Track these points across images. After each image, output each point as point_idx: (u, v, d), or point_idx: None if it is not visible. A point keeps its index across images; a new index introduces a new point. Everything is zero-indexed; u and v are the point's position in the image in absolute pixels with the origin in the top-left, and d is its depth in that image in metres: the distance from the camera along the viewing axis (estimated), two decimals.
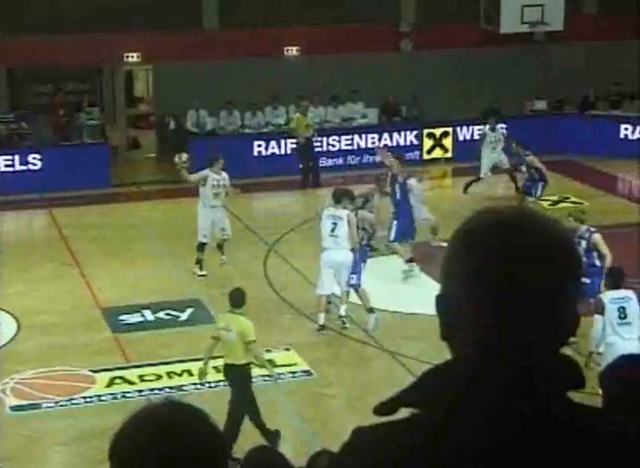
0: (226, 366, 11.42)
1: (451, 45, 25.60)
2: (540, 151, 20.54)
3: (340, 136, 24.27)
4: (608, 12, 26.60)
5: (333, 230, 14.48)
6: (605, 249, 13.80)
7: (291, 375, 13.36)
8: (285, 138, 24.03)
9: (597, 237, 13.94)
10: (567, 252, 1.72)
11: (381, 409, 1.76)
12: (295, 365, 13.63)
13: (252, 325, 11.25)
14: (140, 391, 12.96)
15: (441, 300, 1.75)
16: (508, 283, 1.66)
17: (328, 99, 25.36)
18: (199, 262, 17.01)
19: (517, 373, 1.68)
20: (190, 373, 13.27)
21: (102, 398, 12.81)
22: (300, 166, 22.59)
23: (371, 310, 14.58)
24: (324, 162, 23.75)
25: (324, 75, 24.68)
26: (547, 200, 20.95)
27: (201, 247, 17.02)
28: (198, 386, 12.83)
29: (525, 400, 1.67)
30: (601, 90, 26.72)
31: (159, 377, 13.32)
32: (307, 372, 13.46)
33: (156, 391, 12.87)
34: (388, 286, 16.13)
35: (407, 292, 15.71)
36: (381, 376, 13.12)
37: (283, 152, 23.90)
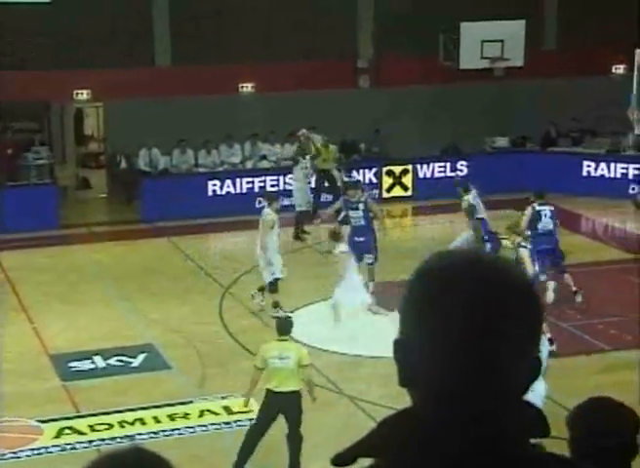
0: (279, 394, 11.24)
1: (409, 81, 25.41)
2: (501, 189, 20.25)
3: None
4: (568, 47, 26.56)
5: None
6: (529, 266, 14.42)
7: (248, 423, 12.84)
8: (240, 177, 23.56)
9: (524, 252, 14.56)
10: (526, 296, 1.70)
11: (339, 460, 1.74)
12: (252, 412, 13.10)
13: (305, 349, 11.70)
14: (91, 441, 12.51)
15: (399, 346, 1.74)
16: (468, 329, 1.65)
17: (284, 137, 25.02)
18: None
19: (479, 422, 1.66)
20: (143, 422, 12.87)
21: (50, 450, 12.34)
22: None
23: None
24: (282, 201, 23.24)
25: (280, 112, 24.32)
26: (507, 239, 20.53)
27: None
28: (152, 435, 12.57)
29: (487, 449, 1.66)
30: (562, 126, 26.61)
31: (110, 427, 12.87)
32: None
33: (107, 441, 12.45)
34: (348, 328, 15.77)
35: (367, 334, 15.35)
36: (342, 422, 12.77)
37: (238, 191, 23.43)
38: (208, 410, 13.17)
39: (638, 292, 17.76)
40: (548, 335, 14.58)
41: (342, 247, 15.92)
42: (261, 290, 16.88)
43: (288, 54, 24.72)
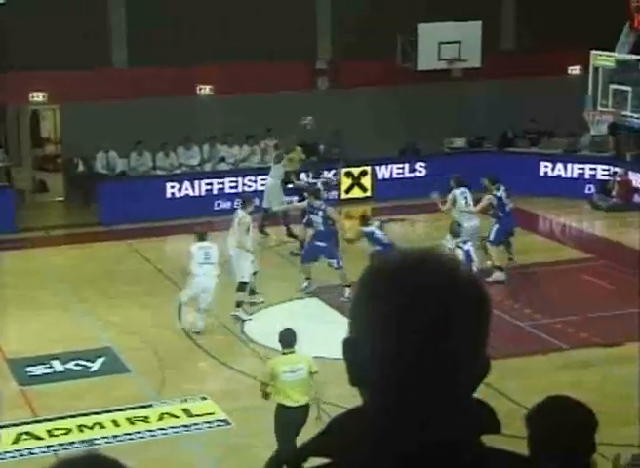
0: (298, 408, 10.95)
1: (368, 82, 25.44)
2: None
3: (255, 176, 23.74)
4: (525, 49, 26.73)
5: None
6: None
7: (207, 426, 12.88)
8: (198, 180, 23.48)
9: (458, 252, 15.36)
10: (474, 296, 1.71)
11: (291, 460, 1.76)
12: (212, 414, 13.13)
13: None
14: (49, 446, 12.42)
15: (348, 345, 1.74)
16: (415, 329, 1.66)
17: (243, 139, 24.96)
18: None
19: (429, 421, 1.67)
20: (102, 426, 12.77)
21: (8, 455, 12.20)
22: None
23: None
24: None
25: (238, 114, 24.25)
26: None
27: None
28: (110, 439, 12.50)
29: (438, 448, 1.67)
30: (519, 127, 26.76)
31: (69, 431, 12.78)
32: (225, 422, 13.06)
33: (66, 446, 12.37)
34: (305, 329, 15.73)
35: (324, 335, 15.34)
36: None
37: (197, 194, 23.33)
38: (167, 414, 13.11)
39: (595, 290, 17.92)
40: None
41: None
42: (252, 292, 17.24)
43: (246, 55, 24.64)
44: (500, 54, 26.82)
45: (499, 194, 18.88)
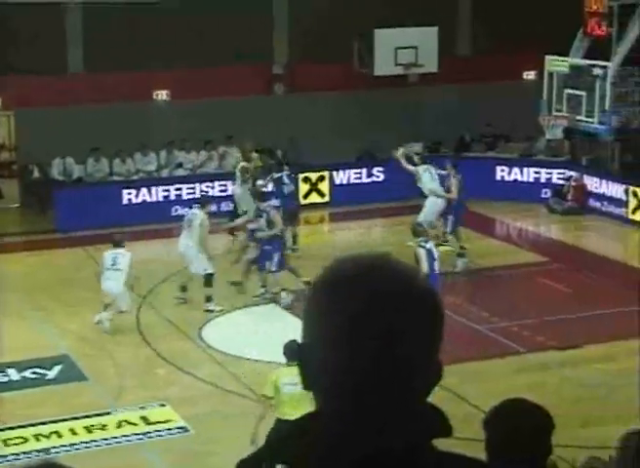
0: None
1: (325, 87, 25.46)
2: (416, 194, 20.35)
3: (213, 181, 23.68)
4: (480, 53, 26.89)
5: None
6: (424, 265, 15.05)
7: (166, 433, 12.80)
8: (156, 186, 23.37)
9: (420, 251, 15.32)
10: (425, 301, 1.73)
11: (244, 466, 1.77)
12: (171, 421, 13.06)
13: None
14: (4, 456, 12.26)
15: (302, 349, 1.75)
16: (366, 333, 1.66)
17: (201, 145, 24.88)
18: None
19: (383, 426, 1.68)
20: (59, 435, 12.64)
21: None
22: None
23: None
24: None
25: (195, 120, 24.18)
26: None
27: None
28: (68, 448, 12.38)
29: (392, 452, 1.68)
30: (476, 131, 26.90)
31: (25, 441, 12.64)
32: (184, 429, 12.97)
33: (22, 456, 12.20)
34: (264, 335, 15.76)
35: (283, 341, 15.31)
36: (262, 429, 12.55)
37: (154, 200, 23.21)
38: (125, 421, 13.02)
39: (551, 293, 18.05)
40: None
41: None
42: (183, 289, 17.37)
43: (202, 60, 24.59)
44: (456, 59, 26.96)
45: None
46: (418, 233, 15.82)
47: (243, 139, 23.63)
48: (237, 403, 13.75)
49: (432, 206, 19.53)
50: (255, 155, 22.63)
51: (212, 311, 16.96)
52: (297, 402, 10.54)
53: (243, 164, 21.78)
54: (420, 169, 19.78)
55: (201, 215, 17.27)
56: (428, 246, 15.54)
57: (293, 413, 10.61)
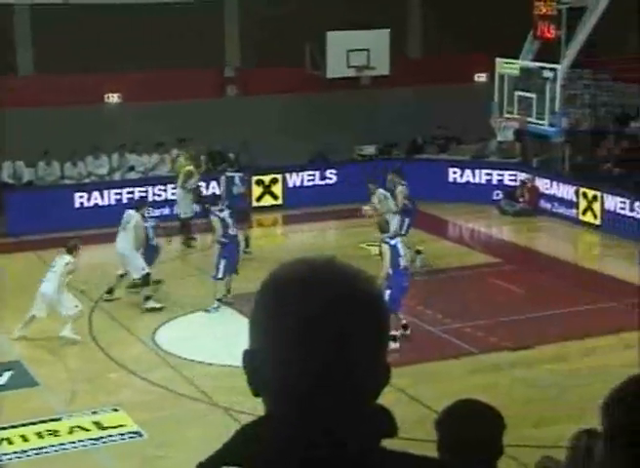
0: None
1: (277, 90, 25.45)
2: (368, 197, 20.35)
3: (165, 184, 23.56)
4: (432, 56, 27.02)
5: None
6: (387, 262, 15.13)
7: (119, 437, 12.66)
8: (108, 189, 23.21)
9: (385, 247, 15.32)
10: (372, 303, 1.73)
11: None
12: (124, 426, 12.95)
13: None
14: None
15: (247, 356, 1.75)
16: (312, 337, 1.67)
17: (154, 148, 24.79)
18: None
19: (332, 428, 1.69)
20: (10, 442, 12.50)
21: None
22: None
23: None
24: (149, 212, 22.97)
25: (147, 122, 24.06)
26: (378, 245, 20.76)
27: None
28: (19, 454, 12.23)
29: (340, 453, 1.69)
30: (428, 133, 27.03)
31: None
32: (138, 433, 12.86)
33: None
34: (218, 338, 15.72)
35: (237, 344, 15.28)
36: (216, 433, 12.54)
37: (106, 203, 23.04)
38: (78, 426, 12.90)
39: (504, 294, 18.17)
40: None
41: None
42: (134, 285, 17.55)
43: (154, 63, 24.46)
44: (408, 61, 27.07)
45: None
46: (383, 229, 15.89)
47: (191, 143, 23.50)
48: (190, 406, 13.68)
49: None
50: (202, 158, 22.61)
51: (152, 309, 17.01)
52: None
53: (190, 168, 21.74)
54: (381, 196, 19.45)
55: (136, 217, 17.52)
56: (393, 242, 15.58)
57: None
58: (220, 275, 17.20)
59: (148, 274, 17.27)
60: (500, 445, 3.87)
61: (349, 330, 1.69)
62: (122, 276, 17.72)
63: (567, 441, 4.92)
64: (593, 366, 14.46)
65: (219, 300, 17.17)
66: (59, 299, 15.85)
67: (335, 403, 1.70)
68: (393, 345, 14.54)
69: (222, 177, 21.16)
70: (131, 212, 17.86)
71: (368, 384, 1.73)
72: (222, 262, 17.18)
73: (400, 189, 19.48)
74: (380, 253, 15.50)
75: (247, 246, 20.14)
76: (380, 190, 19.44)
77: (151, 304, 17.14)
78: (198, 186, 22.30)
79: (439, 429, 3.82)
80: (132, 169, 24.86)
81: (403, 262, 15.51)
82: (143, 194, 22.96)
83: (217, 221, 17.44)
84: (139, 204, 18.40)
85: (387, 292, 14.57)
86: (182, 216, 21.51)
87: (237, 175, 20.99)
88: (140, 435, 12.76)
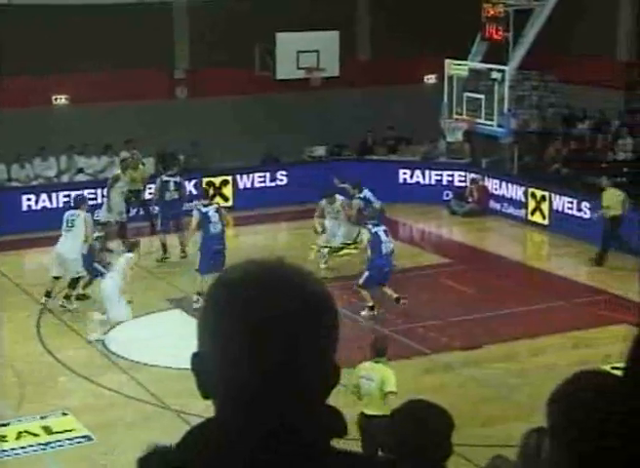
0: (365, 416, 10.74)
1: (227, 91, 25.37)
2: (319, 197, 20.37)
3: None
4: (381, 57, 27.10)
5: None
6: (364, 245, 16.76)
7: (68, 442, 12.56)
8: (56, 191, 22.98)
9: (364, 232, 16.80)
10: (320, 304, 1.74)
11: None
12: (73, 430, 12.84)
13: (393, 375, 10.94)
14: None
15: (196, 358, 1.75)
16: (261, 338, 1.67)
17: (101, 149, 24.58)
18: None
19: (279, 427, 1.69)
20: None
21: None
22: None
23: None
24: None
25: (96, 124, 23.87)
26: (329, 246, 20.76)
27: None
28: None
29: (289, 453, 1.70)
30: (379, 135, 27.09)
31: None
32: (87, 438, 12.79)
33: None
34: (168, 341, 15.63)
35: (187, 346, 15.21)
36: (167, 436, 12.36)
37: (55, 205, 22.80)
38: (26, 431, 12.75)
39: (454, 295, 18.26)
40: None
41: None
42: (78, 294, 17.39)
43: (103, 64, 24.27)
44: (357, 62, 27.13)
45: (362, 195, 19.69)
46: (368, 216, 16.60)
47: (132, 145, 23.29)
48: (141, 410, 13.60)
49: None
50: (141, 168, 22.25)
51: (65, 308, 17.04)
52: (368, 397, 10.84)
53: (117, 172, 21.56)
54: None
55: (82, 214, 17.48)
56: (374, 229, 16.21)
57: (365, 408, 10.86)
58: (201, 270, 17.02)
59: (79, 278, 17.16)
60: (450, 444, 3.88)
61: (298, 331, 1.69)
62: (57, 278, 17.53)
63: (517, 440, 4.94)
64: (543, 365, 14.57)
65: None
66: (117, 300, 15.82)
67: (284, 404, 1.70)
68: (368, 313, 16.64)
69: (157, 181, 20.96)
70: (73, 211, 17.77)
71: (317, 385, 1.73)
72: (201, 257, 17.18)
73: (356, 202, 19.63)
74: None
75: (182, 251, 20.00)
76: (341, 198, 19.63)
77: (67, 304, 17.06)
78: (139, 190, 21.96)
79: (389, 429, 3.82)
80: (80, 171, 24.64)
81: (385, 249, 16.55)
82: (92, 196, 22.78)
83: (197, 216, 17.51)
84: (78, 201, 18.23)
85: (366, 273, 16.58)
86: (118, 219, 21.12)
87: (172, 181, 20.73)
88: (90, 439, 12.67)
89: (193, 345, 1.79)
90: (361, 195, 20.02)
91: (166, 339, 15.83)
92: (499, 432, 11.89)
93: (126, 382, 14.42)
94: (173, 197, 20.59)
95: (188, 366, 1.78)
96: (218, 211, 17.80)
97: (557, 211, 22.47)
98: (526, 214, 23.23)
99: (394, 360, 15.12)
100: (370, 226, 16.66)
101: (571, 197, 22.25)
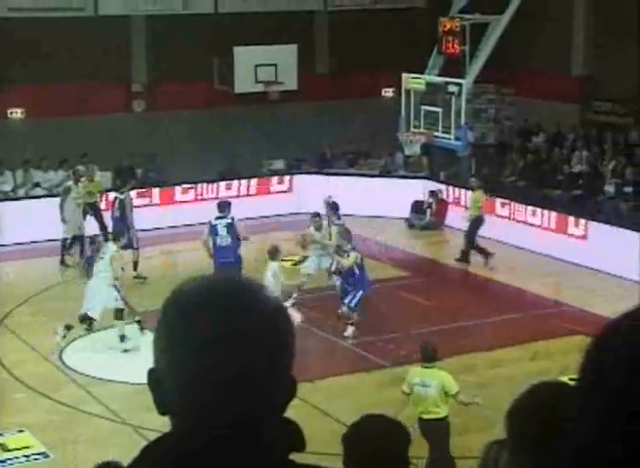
0: (424, 421, 11.18)
1: (185, 105, 25.31)
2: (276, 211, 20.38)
3: None
4: (339, 71, 27.18)
5: None
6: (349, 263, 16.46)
7: (25, 459, 12.43)
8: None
9: (352, 255, 16.75)
10: (273, 318, 1.72)
11: None
12: (29, 447, 12.68)
13: (451, 376, 11.41)
14: None
15: (151, 374, 1.74)
16: (215, 353, 1.66)
17: (57, 163, 24.40)
18: None
19: (235, 441, 1.68)
20: None
21: None
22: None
23: None
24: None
25: (52, 138, 23.71)
26: (290, 260, 20.77)
27: None
28: None
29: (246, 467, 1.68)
30: (337, 148, 27.14)
31: None
32: (44, 455, 12.65)
33: None
34: (127, 356, 15.53)
35: (145, 361, 15.09)
36: (125, 452, 12.33)
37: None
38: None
39: (413, 307, 18.30)
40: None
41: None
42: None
43: (59, 77, 24.13)
44: (315, 76, 27.18)
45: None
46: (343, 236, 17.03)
47: (86, 159, 23.13)
48: (99, 426, 13.49)
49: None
50: (97, 181, 22.00)
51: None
52: (426, 403, 11.21)
53: (69, 184, 21.29)
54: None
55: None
56: (354, 254, 16.67)
57: (424, 414, 11.24)
58: None
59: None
60: (407, 458, 3.87)
61: (251, 345, 1.68)
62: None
63: (477, 452, 4.94)
64: (501, 377, 14.63)
65: None
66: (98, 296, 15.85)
67: (239, 419, 1.69)
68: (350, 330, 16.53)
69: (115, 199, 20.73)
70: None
71: (273, 398, 1.72)
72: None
73: (336, 229, 18.37)
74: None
75: (134, 268, 19.73)
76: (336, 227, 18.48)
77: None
78: (95, 202, 21.67)
79: (345, 444, 3.81)
80: (37, 185, 24.44)
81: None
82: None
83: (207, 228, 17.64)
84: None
85: (359, 293, 16.65)
86: (78, 233, 20.85)
87: (119, 198, 20.45)
88: (47, 456, 12.54)
89: (150, 360, 1.77)
90: (340, 221, 18.99)
91: (124, 354, 15.72)
92: (458, 444, 11.90)
93: (84, 398, 14.30)
94: (116, 215, 20.11)
95: (142, 380, 1.76)
96: (230, 224, 17.61)
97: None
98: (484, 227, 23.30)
99: (353, 373, 15.20)
100: (349, 250, 16.82)
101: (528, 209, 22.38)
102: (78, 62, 24.33)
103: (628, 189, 22.48)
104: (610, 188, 22.82)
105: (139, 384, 14.40)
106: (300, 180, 25.26)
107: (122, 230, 19.04)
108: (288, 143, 26.11)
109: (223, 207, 18.08)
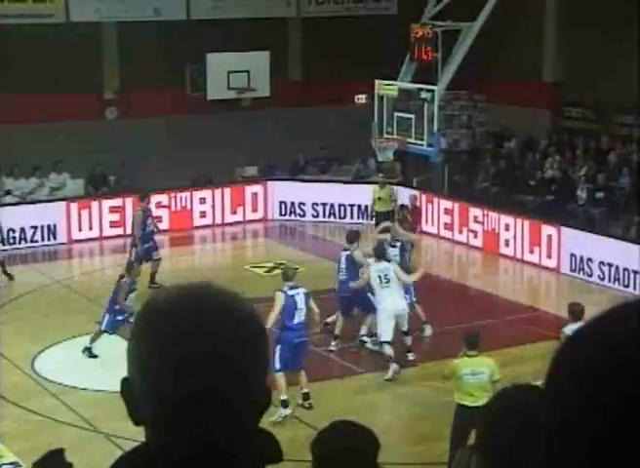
0: (474, 409, 11.09)
1: (157, 112, 25.25)
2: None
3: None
4: (312, 78, 27.21)
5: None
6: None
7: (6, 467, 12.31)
8: None
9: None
10: (247, 326, 1.71)
11: None
12: (1, 457, 12.59)
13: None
14: None
15: (124, 384, 1.71)
16: (186, 363, 1.64)
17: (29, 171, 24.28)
18: None
19: (210, 453, 1.66)
20: None
21: None
22: None
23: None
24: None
25: (24, 145, 23.58)
26: (262, 267, 20.77)
27: None
28: None
29: None
30: (310, 154, 27.15)
31: None
32: (15, 464, 12.56)
33: None
34: (100, 364, 15.46)
35: (119, 370, 15.00)
36: (98, 460, 12.31)
37: None
38: None
39: None
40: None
41: None
42: None
43: (31, 85, 24.02)
44: (288, 83, 27.20)
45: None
46: (351, 239, 16.73)
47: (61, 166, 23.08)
48: (71, 434, 13.40)
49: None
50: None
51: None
52: (476, 390, 11.31)
53: None
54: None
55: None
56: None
57: (476, 401, 11.19)
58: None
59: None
60: (375, 463, 3.86)
61: (224, 354, 1.66)
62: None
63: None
64: None
65: None
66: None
67: (214, 429, 1.67)
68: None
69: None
70: None
71: (248, 409, 1.71)
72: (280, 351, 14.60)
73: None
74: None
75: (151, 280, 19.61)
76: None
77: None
78: None
79: (314, 451, 3.80)
80: (8, 193, 24.29)
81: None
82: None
83: (282, 299, 14.25)
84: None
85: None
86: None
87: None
88: (19, 465, 12.45)
89: (124, 368, 1.76)
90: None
91: (96, 362, 15.65)
92: (432, 450, 11.93)
93: (56, 407, 14.22)
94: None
95: (119, 389, 1.74)
96: (306, 294, 14.40)
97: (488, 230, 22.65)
98: (458, 233, 23.37)
99: (326, 380, 15.19)
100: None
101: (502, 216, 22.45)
102: (50, 70, 24.23)
103: (600, 195, 22.61)
104: (582, 194, 22.95)
105: (111, 392, 14.35)
106: (274, 187, 25.25)
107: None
108: (260, 150, 26.10)
109: (285, 275, 14.51)
